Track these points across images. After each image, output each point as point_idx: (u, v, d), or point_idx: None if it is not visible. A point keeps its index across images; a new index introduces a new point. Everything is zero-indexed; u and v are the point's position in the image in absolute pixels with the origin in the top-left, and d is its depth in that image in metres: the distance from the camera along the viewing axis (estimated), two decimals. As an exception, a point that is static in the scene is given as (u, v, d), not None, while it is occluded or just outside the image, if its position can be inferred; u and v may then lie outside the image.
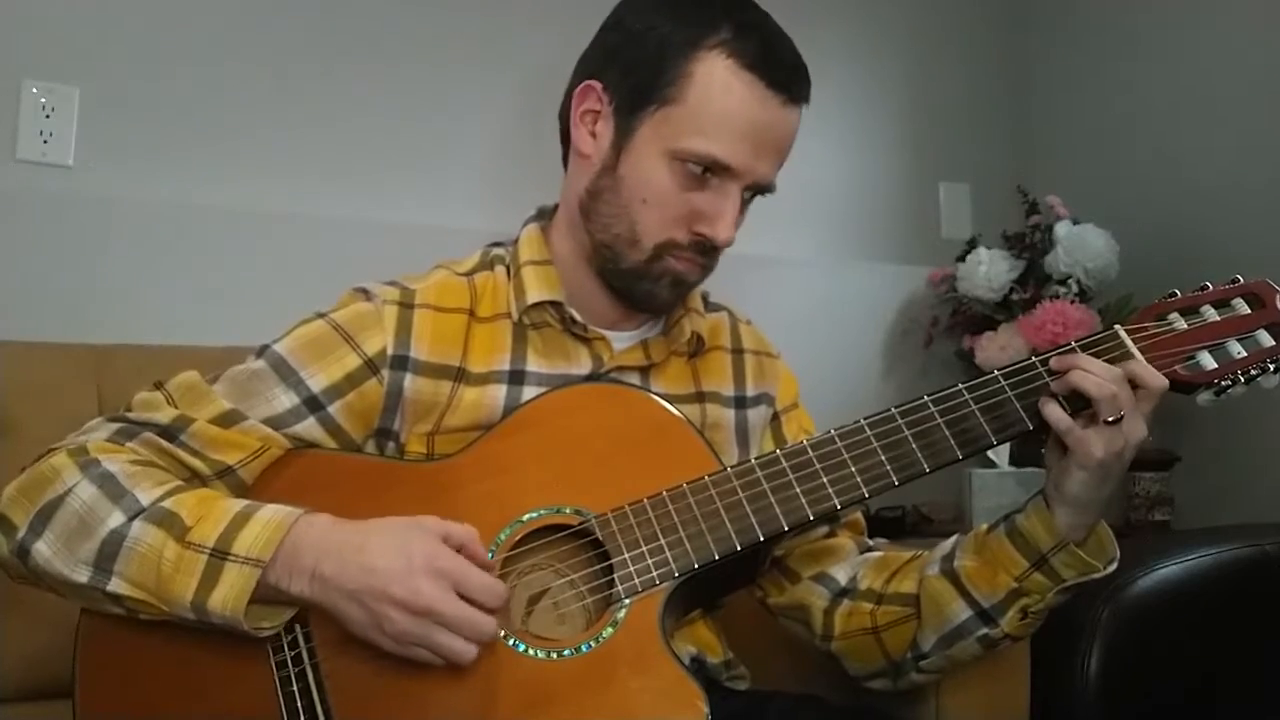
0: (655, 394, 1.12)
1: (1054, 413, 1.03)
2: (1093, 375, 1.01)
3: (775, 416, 1.26)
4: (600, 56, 1.12)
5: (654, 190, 1.08)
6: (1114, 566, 1.08)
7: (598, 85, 1.11)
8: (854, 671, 1.19)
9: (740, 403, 1.22)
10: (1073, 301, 2.07)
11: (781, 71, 1.08)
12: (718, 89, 1.06)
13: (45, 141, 1.61)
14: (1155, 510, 2.07)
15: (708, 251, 1.11)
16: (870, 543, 1.24)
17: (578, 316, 1.14)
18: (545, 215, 1.21)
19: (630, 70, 1.09)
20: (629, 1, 1.14)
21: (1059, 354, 1.06)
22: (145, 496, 0.98)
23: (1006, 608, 1.08)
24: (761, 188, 1.11)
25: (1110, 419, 1.00)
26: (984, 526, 1.13)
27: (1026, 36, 2.52)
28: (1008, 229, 2.24)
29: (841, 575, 1.19)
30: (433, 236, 1.72)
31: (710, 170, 1.07)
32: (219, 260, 1.69)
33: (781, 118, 1.09)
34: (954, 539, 1.15)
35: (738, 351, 1.24)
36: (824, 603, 1.18)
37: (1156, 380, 1.02)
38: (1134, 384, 1.02)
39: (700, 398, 1.19)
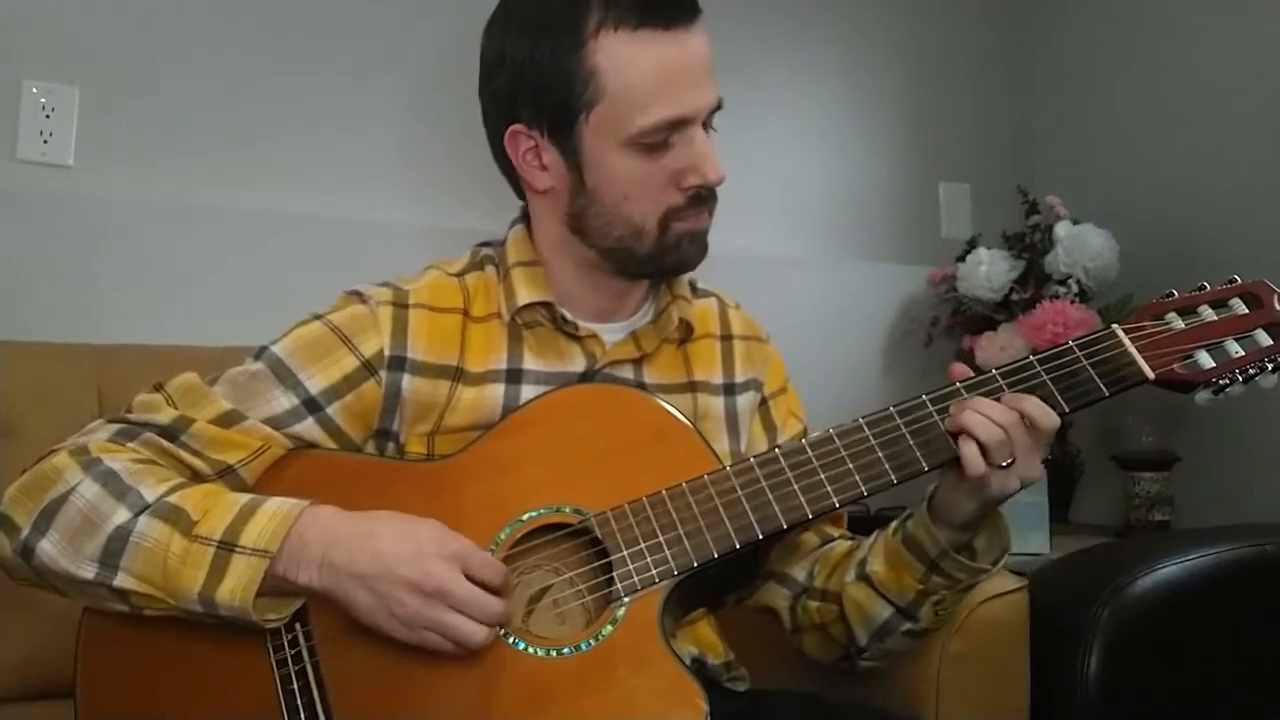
0: (655, 395, 1.12)
1: (972, 455, 1.00)
2: (983, 419, 1.00)
3: (764, 401, 1.26)
4: (506, 99, 1.10)
5: (631, 182, 1.08)
6: (1005, 558, 1.11)
7: (522, 126, 1.10)
8: (821, 659, 1.22)
9: (729, 390, 1.22)
10: (1073, 301, 2.07)
11: (666, 8, 1.06)
12: (626, 64, 1.05)
13: (45, 141, 1.61)
14: (1155, 510, 2.06)
15: (707, 198, 1.11)
16: (835, 534, 1.24)
17: (568, 315, 1.14)
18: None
19: (540, 96, 1.07)
20: (496, 35, 1.11)
21: (956, 400, 1.04)
22: (149, 493, 0.98)
23: (920, 605, 1.12)
24: (714, 111, 1.10)
25: (1004, 464, 1.00)
26: (891, 527, 1.14)
27: (1027, 36, 2.52)
28: (1008, 229, 2.24)
29: (800, 573, 1.21)
30: (434, 236, 1.73)
31: (668, 131, 1.07)
32: (219, 260, 1.69)
33: (692, 45, 1.07)
34: (873, 536, 1.17)
35: (726, 338, 1.25)
36: (787, 602, 1.22)
37: (1048, 420, 1.01)
38: (1029, 422, 1.01)
39: (692, 387, 1.19)
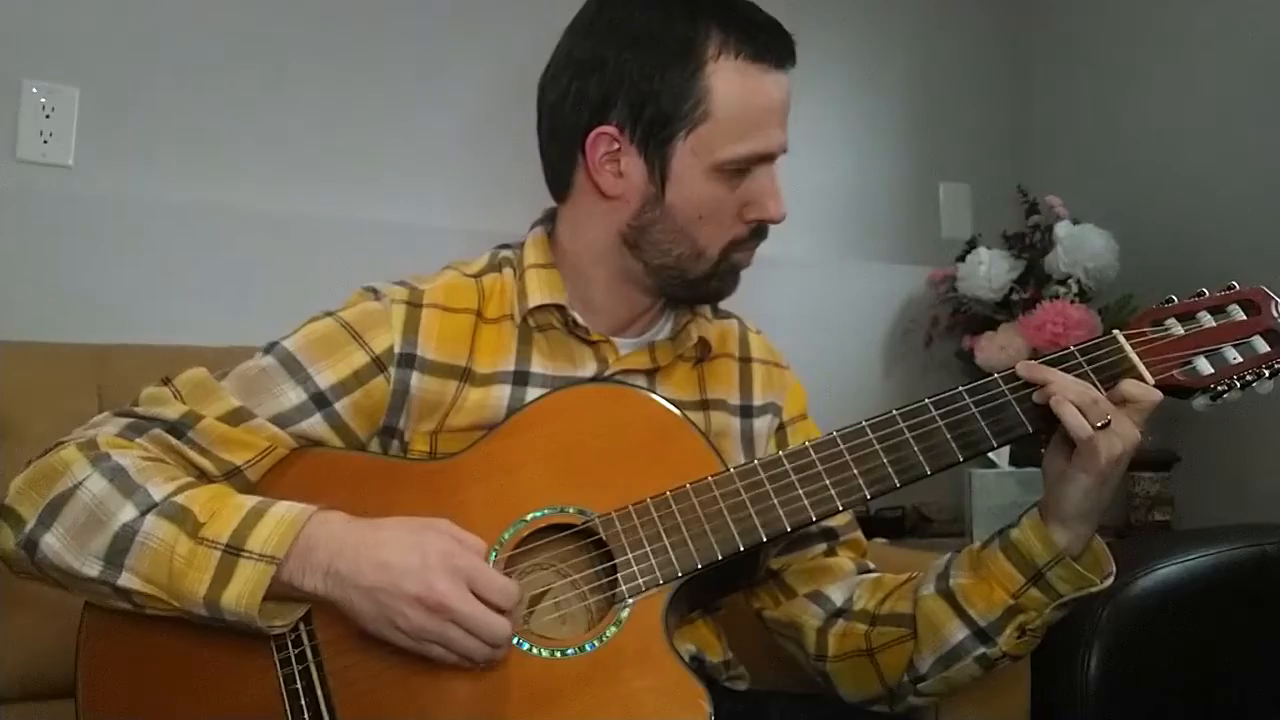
0: (658, 395, 1.11)
1: (1071, 415, 1.01)
2: (1071, 380, 1.01)
3: (781, 427, 1.25)
4: (598, 101, 1.09)
5: (709, 206, 1.09)
6: (1110, 581, 1.07)
7: (611, 129, 1.09)
8: (847, 695, 1.17)
9: (747, 412, 1.21)
10: (1073, 301, 2.07)
11: (778, 46, 1.10)
12: (738, 92, 1.07)
13: (45, 141, 1.61)
14: (1155, 510, 2.07)
15: (764, 234, 1.14)
16: (870, 565, 1.23)
17: (580, 320, 1.14)
18: (551, 219, 1.20)
19: (640, 106, 1.08)
20: (595, 37, 1.11)
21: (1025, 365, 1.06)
22: (157, 491, 0.98)
23: (1004, 626, 1.07)
24: (783, 153, 1.13)
25: (1100, 424, 1.00)
26: (977, 544, 1.12)
27: (1027, 36, 2.53)
28: (1008, 229, 2.24)
29: (838, 596, 1.18)
30: (435, 237, 1.73)
31: (753, 163, 1.09)
32: (219, 260, 1.69)
33: (786, 88, 1.12)
34: (948, 556, 1.14)
35: (745, 360, 1.24)
36: (818, 622, 1.18)
37: (1150, 395, 1.02)
38: (1128, 401, 1.02)
39: (705, 405, 1.19)
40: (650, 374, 1.16)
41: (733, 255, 1.12)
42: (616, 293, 1.16)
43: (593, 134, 1.10)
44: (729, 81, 1.07)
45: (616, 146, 1.10)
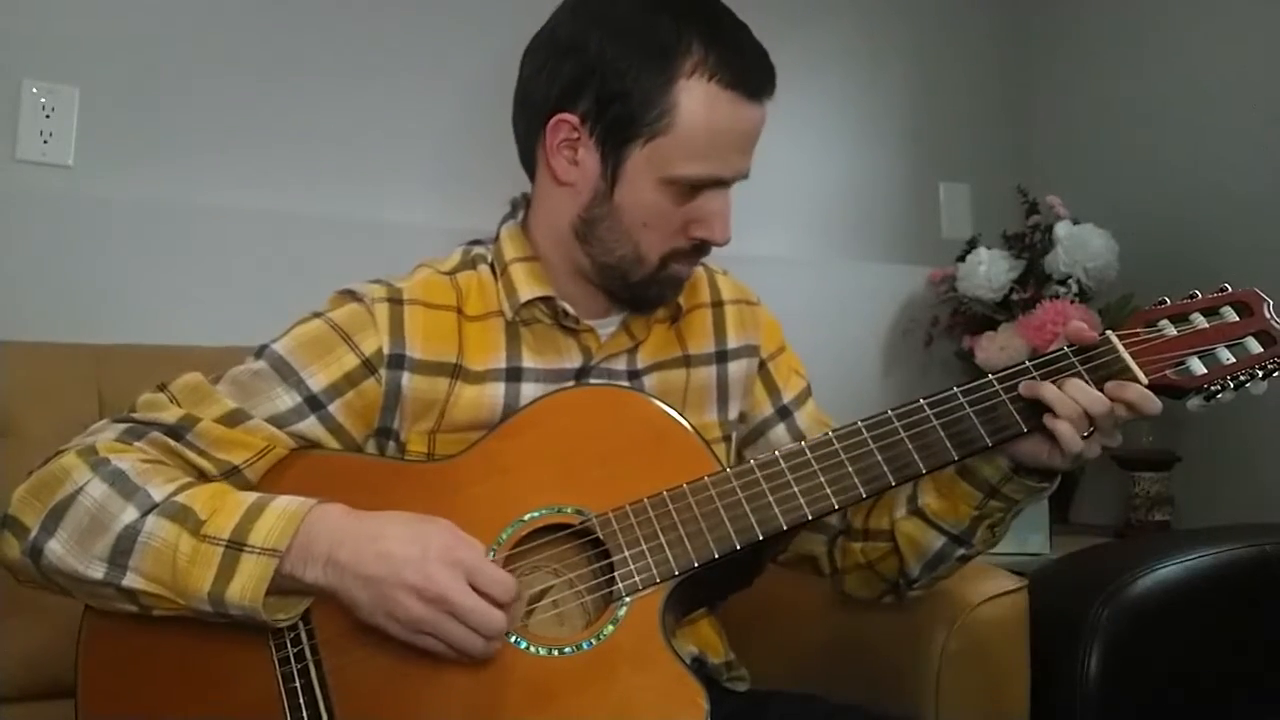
0: (655, 398, 1.12)
1: (1066, 431, 1.04)
2: (1069, 408, 1.04)
3: (763, 365, 1.27)
4: (567, 86, 1.09)
5: (654, 214, 1.10)
6: (1057, 480, 1.14)
7: (573, 118, 1.09)
8: (864, 597, 1.27)
9: (720, 357, 1.23)
10: (1073, 301, 2.07)
11: (757, 78, 1.09)
12: (703, 114, 1.06)
13: (45, 141, 1.61)
14: (1155, 510, 2.07)
15: (706, 251, 1.14)
16: None
17: (570, 310, 1.14)
18: (520, 208, 1.21)
19: (606, 103, 1.07)
20: (580, 22, 1.11)
21: (1026, 380, 1.07)
22: (157, 492, 0.98)
23: (974, 530, 1.16)
24: (743, 178, 1.13)
25: (1085, 435, 1.05)
26: None
27: (1027, 37, 2.53)
28: (1008, 229, 2.25)
29: (834, 517, 1.21)
30: (435, 236, 1.72)
31: (705, 184, 1.09)
32: (219, 260, 1.69)
33: (758, 117, 1.10)
34: None
35: (717, 304, 1.25)
36: (824, 547, 1.25)
37: (1150, 404, 1.05)
38: (1128, 405, 1.05)
39: (688, 361, 1.21)
40: (632, 351, 1.17)
41: (672, 265, 1.12)
42: (577, 281, 1.16)
43: (554, 119, 1.10)
44: (698, 101, 1.06)
45: (576, 136, 1.10)
